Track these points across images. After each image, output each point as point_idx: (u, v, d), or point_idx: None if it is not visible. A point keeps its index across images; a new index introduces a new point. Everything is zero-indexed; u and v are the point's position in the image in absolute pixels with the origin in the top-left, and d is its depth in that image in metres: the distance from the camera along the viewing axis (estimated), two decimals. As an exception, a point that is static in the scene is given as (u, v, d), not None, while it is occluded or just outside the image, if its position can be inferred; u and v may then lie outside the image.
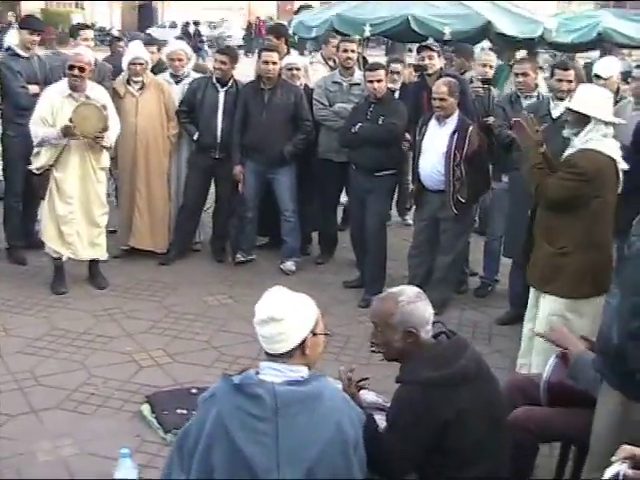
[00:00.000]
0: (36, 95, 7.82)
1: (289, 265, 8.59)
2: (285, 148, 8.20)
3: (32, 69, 8.29)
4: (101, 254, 7.88)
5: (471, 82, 8.49)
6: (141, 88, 8.41)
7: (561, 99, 6.93)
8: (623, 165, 5.51)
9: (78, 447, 5.13)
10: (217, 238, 9.01)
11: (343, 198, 9.29)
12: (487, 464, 3.66)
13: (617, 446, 2.97)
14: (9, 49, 8.37)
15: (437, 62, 8.31)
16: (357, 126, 7.66)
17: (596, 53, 19.06)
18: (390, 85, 8.53)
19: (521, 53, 11.99)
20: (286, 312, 3.23)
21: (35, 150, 7.53)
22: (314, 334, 3.31)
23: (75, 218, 7.59)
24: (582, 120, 5.48)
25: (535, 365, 5.71)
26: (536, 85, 7.69)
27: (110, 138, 7.51)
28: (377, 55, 17.67)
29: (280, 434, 3.10)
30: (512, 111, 7.60)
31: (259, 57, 8.42)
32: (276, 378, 3.20)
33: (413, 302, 3.72)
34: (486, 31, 12.17)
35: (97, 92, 7.55)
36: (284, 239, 8.65)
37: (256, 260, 8.86)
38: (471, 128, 7.20)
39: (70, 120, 7.19)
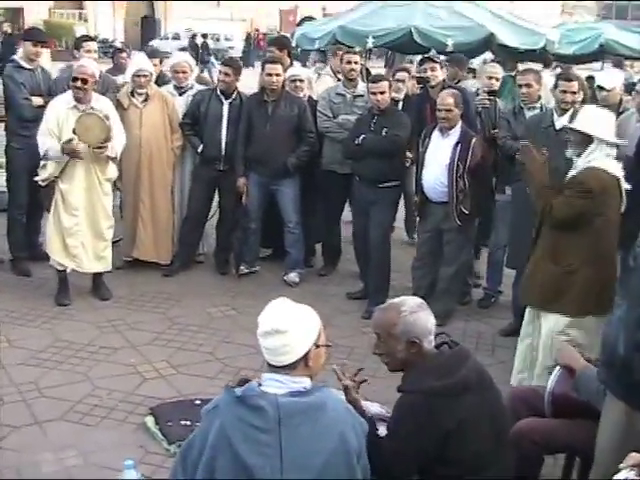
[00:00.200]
0: (40, 107, 7.85)
1: (292, 277, 8.59)
2: (289, 160, 8.21)
3: (36, 81, 8.31)
4: (106, 267, 7.88)
5: (477, 94, 8.50)
6: (145, 100, 8.42)
7: (565, 110, 6.94)
8: (626, 185, 5.53)
9: (82, 458, 5.13)
10: (221, 250, 9.01)
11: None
12: (491, 475, 3.66)
13: (622, 456, 2.98)
14: (13, 61, 8.39)
15: (439, 74, 8.33)
16: (361, 138, 7.67)
17: (598, 65, 19.15)
18: (395, 95, 8.54)
19: (535, 65, 12.01)
20: (290, 324, 3.24)
21: (42, 162, 7.54)
22: (317, 346, 3.32)
23: (80, 230, 7.59)
24: (585, 140, 5.51)
25: (536, 379, 5.71)
26: (539, 97, 7.70)
27: (115, 149, 7.51)
28: (377, 67, 17.67)
29: (283, 445, 3.11)
30: (516, 122, 7.63)
31: (263, 69, 8.43)
32: (279, 390, 3.21)
33: (415, 312, 3.74)
34: (489, 43, 12.19)
35: (102, 103, 7.56)
36: (287, 251, 8.65)
37: (259, 272, 8.87)
38: (474, 139, 7.23)
39: (73, 130, 7.20)
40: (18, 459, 5.07)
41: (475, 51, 12.95)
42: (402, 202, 9.00)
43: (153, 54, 10.12)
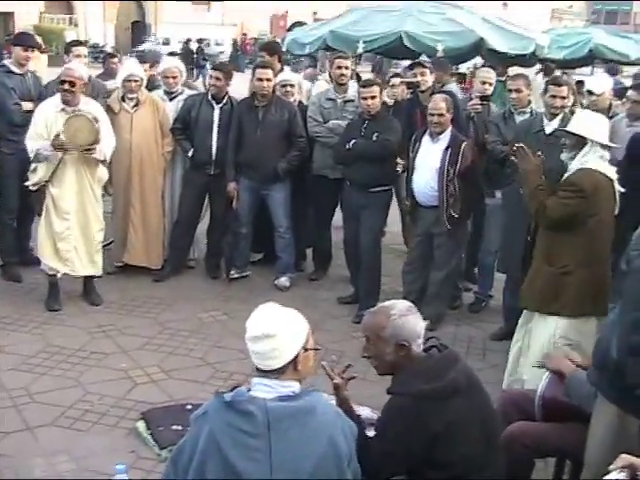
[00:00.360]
0: (30, 112, 7.83)
1: (283, 281, 8.60)
2: (279, 165, 8.21)
3: (26, 86, 8.28)
4: (97, 271, 7.88)
5: (471, 99, 8.52)
6: (136, 105, 8.41)
7: (555, 115, 6.98)
8: (620, 187, 5.56)
9: (74, 464, 5.13)
10: (212, 255, 9.01)
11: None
12: (481, 479, 3.67)
13: (613, 458, 2.99)
14: (3, 66, 8.37)
15: (429, 79, 8.36)
16: (351, 142, 7.69)
17: (588, 70, 19.21)
18: (387, 99, 8.57)
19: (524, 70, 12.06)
20: (278, 328, 3.24)
21: (32, 166, 7.52)
22: (305, 349, 3.33)
23: (72, 234, 7.58)
24: (579, 143, 5.56)
25: (528, 382, 5.72)
26: (529, 102, 7.73)
27: (104, 151, 7.50)
28: (364, 71, 17.76)
29: (273, 450, 3.11)
30: (506, 127, 7.67)
31: (253, 74, 8.44)
32: (268, 394, 3.21)
33: (404, 315, 3.75)
34: (479, 48, 12.25)
35: (91, 106, 7.55)
36: (278, 255, 8.66)
37: (250, 276, 8.87)
38: (464, 144, 7.25)
39: (62, 131, 7.19)
40: (9, 465, 5.05)
41: (465, 56, 13.04)
42: (399, 212, 9.06)
43: (143, 59, 10.12)
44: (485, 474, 3.68)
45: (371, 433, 3.79)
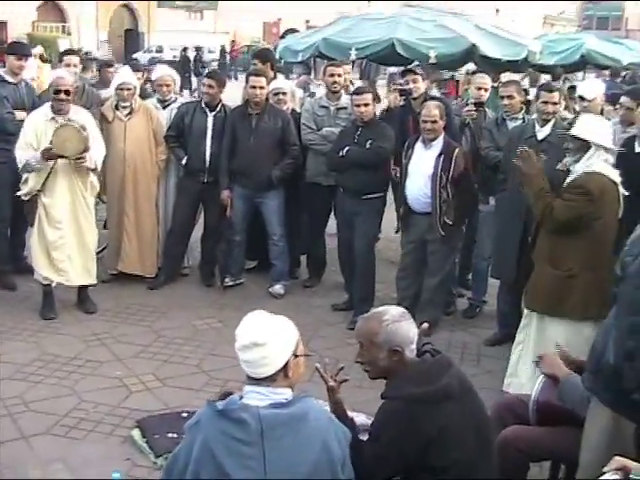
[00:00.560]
0: (23, 121, 7.83)
1: (278, 288, 8.61)
2: (273, 173, 8.23)
3: (19, 95, 8.29)
4: (92, 279, 7.88)
5: (466, 105, 8.56)
6: (129, 113, 8.42)
7: (547, 121, 7.01)
8: (624, 190, 5.59)
9: (69, 472, 5.13)
10: (206, 262, 9.02)
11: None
12: (475, 482, 3.69)
13: (607, 460, 3.02)
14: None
15: (421, 86, 8.39)
16: (345, 150, 7.70)
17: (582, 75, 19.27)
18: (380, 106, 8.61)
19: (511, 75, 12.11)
20: (268, 336, 3.26)
21: (24, 176, 7.52)
22: (296, 356, 3.35)
23: (65, 243, 7.57)
24: (583, 147, 5.59)
25: (526, 387, 5.75)
26: (521, 108, 7.77)
27: (93, 159, 7.49)
28: (352, 79, 17.81)
29: (267, 457, 3.13)
30: (498, 133, 7.71)
31: (247, 82, 8.45)
32: (260, 402, 3.23)
33: (397, 321, 3.78)
34: (471, 54, 12.26)
35: (80, 115, 7.55)
36: (273, 263, 8.67)
37: (245, 284, 8.87)
38: (457, 150, 7.27)
39: (51, 142, 7.20)
40: (4, 474, 5.05)
41: (457, 62, 13.06)
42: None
43: (137, 67, 10.17)
44: (480, 478, 3.70)
45: (365, 438, 3.81)
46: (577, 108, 8.71)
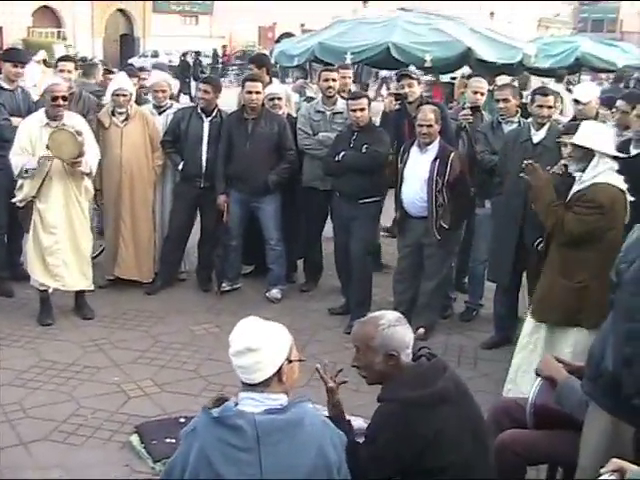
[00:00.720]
0: (19, 128, 7.85)
1: (275, 293, 8.62)
2: (269, 177, 8.24)
3: (16, 101, 8.29)
4: (89, 284, 7.88)
5: (463, 109, 8.58)
6: (126, 119, 8.44)
7: (542, 125, 7.04)
8: (630, 197, 5.59)
9: (68, 478, 5.13)
10: (203, 267, 9.03)
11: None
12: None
13: (606, 463, 3.05)
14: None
15: (417, 90, 8.41)
16: (341, 154, 7.73)
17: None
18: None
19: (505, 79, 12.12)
20: (261, 341, 3.27)
21: (18, 183, 7.53)
22: (289, 361, 3.36)
23: (60, 248, 7.58)
24: (587, 155, 5.58)
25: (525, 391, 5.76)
26: (516, 112, 7.79)
27: (89, 164, 7.50)
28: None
29: (263, 463, 3.14)
30: (494, 137, 7.73)
31: (243, 87, 8.47)
32: (255, 408, 3.24)
33: (393, 326, 3.79)
34: (466, 57, 12.33)
35: (74, 120, 7.56)
36: (269, 267, 8.68)
37: (242, 289, 8.89)
38: (452, 154, 7.29)
39: (47, 147, 7.21)
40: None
41: (453, 66, 13.12)
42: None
43: (132, 73, 10.18)
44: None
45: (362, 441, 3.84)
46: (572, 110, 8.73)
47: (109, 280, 8.77)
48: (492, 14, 63.84)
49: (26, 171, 7.34)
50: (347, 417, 4.08)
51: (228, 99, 10.55)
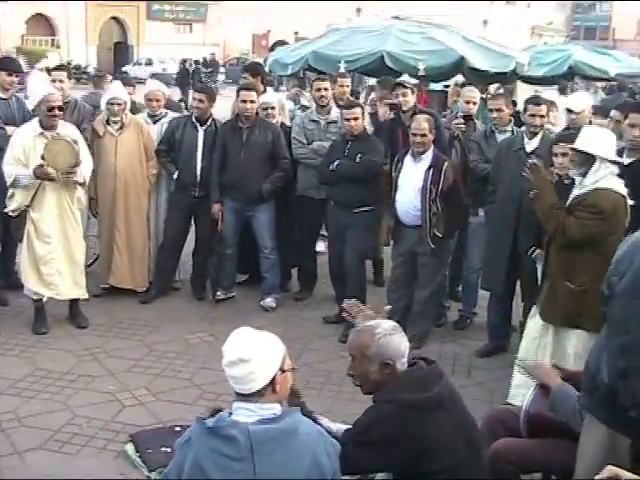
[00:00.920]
0: (14, 137, 7.84)
1: (269, 301, 8.62)
2: (263, 186, 8.25)
3: (10, 110, 8.27)
4: (83, 293, 7.88)
5: (455, 118, 8.61)
6: (120, 128, 8.45)
7: (535, 134, 7.07)
8: (630, 201, 5.62)
9: (63, 488, 5.14)
10: (197, 276, 9.03)
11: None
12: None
13: None
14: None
15: (411, 99, 8.43)
16: (335, 163, 7.76)
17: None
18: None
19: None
20: (254, 352, 3.29)
21: (9, 192, 7.52)
22: (283, 370, 3.38)
23: (54, 257, 7.58)
24: (588, 160, 5.60)
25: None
26: (510, 120, 7.83)
27: (83, 174, 7.52)
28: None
29: (257, 472, 3.16)
30: (487, 145, 7.76)
31: (237, 96, 8.49)
32: (249, 418, 3.26)
33: (389, 335, 3.83)
34: (459, 66, 12.34)
35: (68, 130, 7.57)
36: (264, 276, 8.69)
37: (236, 297, 8.89)
38: (446, 163, 7.32)
39: (42, 157, 7.21)
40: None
41: (446, 74, 13.13)
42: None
43: (128, 82, 10.22)
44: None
45: None
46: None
47: (103, 289, 8.76)
48: (485, 22, 64.01)
49: (24, 185, 7.35)
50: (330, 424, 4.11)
51: (221, 108, 10.57)
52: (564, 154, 6.25)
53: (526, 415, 4.39)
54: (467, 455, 3.74)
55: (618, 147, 6.92)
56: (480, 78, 12.37)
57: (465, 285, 8.37)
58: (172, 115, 8.98)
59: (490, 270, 7.38)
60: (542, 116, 7.13)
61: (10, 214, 7.60)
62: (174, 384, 6.74)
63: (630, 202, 5.61)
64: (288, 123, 9.11)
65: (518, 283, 7.34)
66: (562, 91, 15.19)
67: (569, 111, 8.23)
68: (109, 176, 8.44)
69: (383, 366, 3.79)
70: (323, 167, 7.95)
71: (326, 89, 8.63)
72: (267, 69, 13.43)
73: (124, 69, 43.39)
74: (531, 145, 7.08)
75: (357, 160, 7.73)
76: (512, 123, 7.87)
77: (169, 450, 5.25)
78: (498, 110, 7.77)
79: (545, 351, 5.99)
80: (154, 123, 8.85)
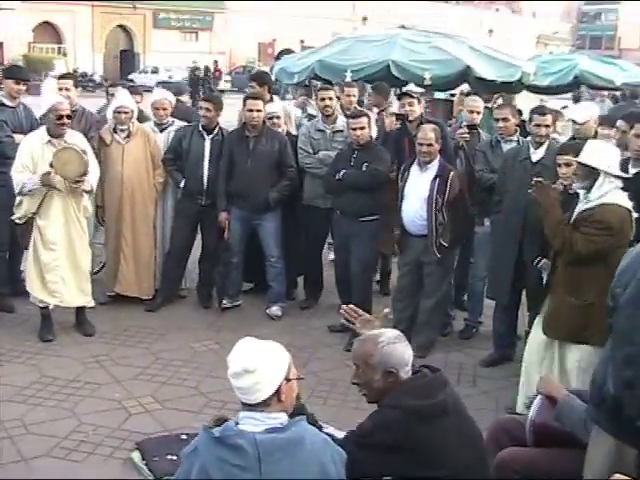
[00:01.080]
0: (22, 144, 7.87)
1: (275, 310, 8.63)
2: (270, 195, 8.28)
3: (18, 118, 8.31)
4: (88, 301, 7.90)
5: (460, 127, 8.63)
6: (127, 136, 8.48)
7: (540, 144, 7.09)
8: (635, 214, 5.64)
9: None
10: (203, 284, 9.04)
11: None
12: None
13: None
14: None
15: (417, 109, 8.45)
16: (341, 173, 7.78)
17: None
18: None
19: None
20: (258, 362, 3.31)
21: (17, 200, 7.56)
22: (288, 380, 3.39)
23: (59, 265, 7.60)
24: (592, 174, 5.60)
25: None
26: (515, 130, 7.84)
27: (90, 182, 7.55)
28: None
29: (265, 482, 3.17)
30: (493, 155, 7.77)
31: (244, 105, 8.51)
32: (256, 427, 3.27)
33: (392, 343, 3.85)
34: (465, 75, 12.34)
35: (76, 138, 7.61)
36: (270, 284, 8.70)
37: (242, 306, 8.90)
38: (452, 173, 7.33)
39: (51, 165, 7.24)
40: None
41: (452, 84, 13.15)
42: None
43: (135, 90, 10.25)
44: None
45: None
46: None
47: (110, 296, 8.79)
48: (491, 31, 64.09)
49: (29, 190, 7.38)
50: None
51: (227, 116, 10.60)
52: (567, 164, 6.27)
53: (532, 425, 4.40)
54: (472, 463, 3.76)
55: (623, 157, 6.95)
56: (486, 87, 12.38)
57: (471, 294, 8.38)
58: (179, 124, 9.00)
59: (496, 279, 7.39)
60: (547, 126, 7.14)
61: (17, 221, 7.63)
62: (180, 392, 6.75)
63: (635, 215, 5.62)
64: (295, 132, 9.13)
65: (524, 292, 7.34)
66: (576, 100, 15.16)
67: (573, 122, 8.24)
68: (116, 184, 8.47)
69: (386, 374, 3.82)
70: (329, 176, 7.97)
71: (330, 98, 8.66)
72: (273, 78, 13.45)
73: (130, 77, 43.50)
74: (537, 155, 7.08)
75: (363, 169, 7.74)
76: (518, 133, 7.89)
77: (175, 458, 5.27)
78: (504, 120, 7.78)
79: (549, 364, 5.99)
80: (161, 132, 8.88)
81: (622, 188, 5.67)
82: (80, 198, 7.63)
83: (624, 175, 5.77)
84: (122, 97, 8.73)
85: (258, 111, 8.29)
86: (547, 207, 5.95)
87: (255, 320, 8.41)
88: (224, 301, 8.76)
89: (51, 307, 7.75)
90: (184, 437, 5.66)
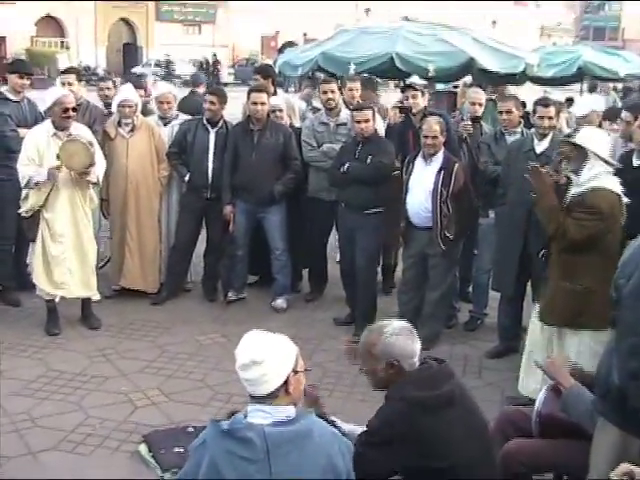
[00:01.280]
0: (27, 138, 7.89)
1: (280, 303, 8.65)
2: (275, 188, 8.28)
3: (22, 113, 8.33)
4: (93, 293, 7.92)
5: (462, 120, 8.62)
6: (132, 130, 8.49)
7: (544, 135, 7.08)
8: (625, 199, 5.66)
9: (78, 488, 5.17)
10: (208, 278, 9.06)
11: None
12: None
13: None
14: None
15: (421, 101, 8.45)
16: (346, 166, 7.77)
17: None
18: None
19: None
20: (266, 354, 3.32)
21: (23, 193, 7.57)
22: (295, 372, 3.40)
23: (67, 257, 7.62)
24: (582, 156, 5.67)
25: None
26: (519, 122, 7.84)
27: (96, 174, 7.57)
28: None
29: (273, 474, 3.19)
30: (497, 147, 7.78)
31: (248, 98, 8.51)
32: (264, 420, 3.28)
33: (396, 335, 3.87)
34: (469, 67, 12.34)
35: (81, 131, 7.62)
36: (275, 277, 8.71)
37: (247, 298, 8.92)
38: (457, 165, 7.33)
39: (57, 156, 7.27)
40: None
41: (456, 76, 13.15)
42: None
43: (139, 84, 10.26)
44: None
45: None
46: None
47: (115, 290, 8.82)
48: (494, 23, 63.97)
49: (36, 183, 7.39)
50: (355, 427, 4.15)
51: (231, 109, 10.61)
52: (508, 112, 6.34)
53: (538, 415, 4.41)
54: (478, 454, 3.77)
55: (628, 149, 6.96)
56: (489, 79, 12.38)
57: (475, 286, 8.38)
58: (183, 117, 9.00)
59: (501, 272, 7.40)
60: (550, 118, 7.13)
61: (24, 214, 7.65)
62: (186, 385, 6.77)
63: (625, 200, 5.65)
64: (299, 124, 9.13)
65: (529, 284, 7.35)
66: (592, 89, 15.12)
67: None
68: (120, 178, 8.49)
69: (388, 365, 3.85)
70: (334, 169, 7.97)
71: (333, 91, 8.64)
72: (277, 70, 13.45)
73: (133, 70, 43.44)
74: (541, 147, 7.09)
75: (367, 162, 7.74)
76: (522, 125, 7.89)
77: (182, 450, 5.30)
78: (508, 112, 7.78)
79: (549, 350, 6.01)
80: (165, 125, 8.89)
81: (624, 179, 5.70)
82: (86, 190, 7.66)
83: (613, 162, 5.80)
84: (126, 91, 8.73)
85: (262, 104, 8.28)
86: (541, 193, 5.97)
87: (260, 313, 8.43)
88: (229, 294, 8.78)
89: (57, 300, 7.76)
90: (191, 430, 5.69)
